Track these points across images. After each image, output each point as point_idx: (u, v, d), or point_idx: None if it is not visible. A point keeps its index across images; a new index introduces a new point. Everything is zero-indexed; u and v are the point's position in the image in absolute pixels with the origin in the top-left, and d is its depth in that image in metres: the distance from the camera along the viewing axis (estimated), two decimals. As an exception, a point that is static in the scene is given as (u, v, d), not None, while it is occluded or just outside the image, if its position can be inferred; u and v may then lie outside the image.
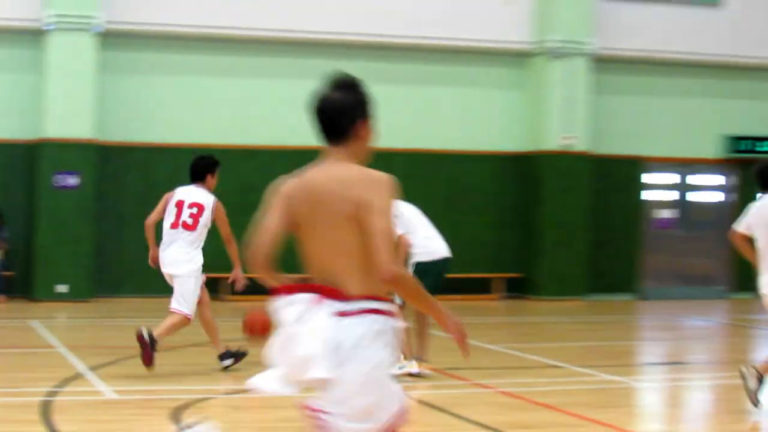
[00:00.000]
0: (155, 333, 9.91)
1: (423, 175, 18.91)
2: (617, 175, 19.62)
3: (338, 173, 4.14)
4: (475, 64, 19.58)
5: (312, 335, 4.03)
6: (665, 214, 20.75)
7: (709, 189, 21.14)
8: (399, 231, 9.54)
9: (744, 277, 20.24)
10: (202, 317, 10.49)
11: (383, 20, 18.82)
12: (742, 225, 9.04)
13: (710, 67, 20.58)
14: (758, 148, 20.73)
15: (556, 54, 19.17)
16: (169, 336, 10.13)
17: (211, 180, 10.41)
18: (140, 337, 9.85)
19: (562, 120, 19.27)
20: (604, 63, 19.89)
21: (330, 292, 4.06)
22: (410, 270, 11.34)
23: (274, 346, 4.12)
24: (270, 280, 4.26)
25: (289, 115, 17.31)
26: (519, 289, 19.47)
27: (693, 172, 20.95)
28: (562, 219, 19.23)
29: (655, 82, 20.40)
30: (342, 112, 4.18)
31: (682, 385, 11.22)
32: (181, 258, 10.21)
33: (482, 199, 19.29)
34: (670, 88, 20.50)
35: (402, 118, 18.95)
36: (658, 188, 20.77)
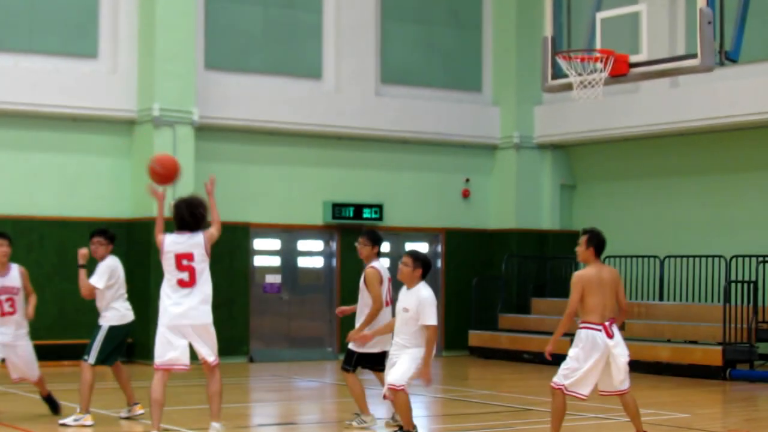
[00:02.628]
0: None
1: (31, 242, 19.44)
2: (224, 240, 19.83)
3: (607, 270, 10.32)
4: (81, 131, 20.19)
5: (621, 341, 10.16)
6: (273, 278, 21.88)
7: (315, 254, 22.44)
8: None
9: (348, 338, 23.52)
10: None
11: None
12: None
13: (311, 136, 22.05)
14: (365, 215, 22.32)
15: (160, 122, 20.02)
16: None
17: None
18: None
19: (168, 186, 21.00)
20: (208, 131, 20.84)
21: (612, 320, 10.14)
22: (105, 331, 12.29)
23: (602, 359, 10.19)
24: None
25: None
26: (129, 354, 19.97)
27: (299, 238, 22.14)
28: (171, 284, 21.14)
29: (259, 150, 21.59)
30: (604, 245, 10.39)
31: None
32: None
33: (91, 265, 20.50)
34: (274, 157, 21.77)
35: (9, 183, 19.52)
36: (266, 254, 21.84)
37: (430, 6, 23.57)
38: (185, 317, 10.45)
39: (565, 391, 10.19)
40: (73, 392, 14.28)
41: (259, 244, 21.98)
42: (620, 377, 10.22)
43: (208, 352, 10.54)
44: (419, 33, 23.45)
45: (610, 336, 10.13)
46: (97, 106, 20.26)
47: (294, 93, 21.97)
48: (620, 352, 10.17)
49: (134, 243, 20.51)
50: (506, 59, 23.91)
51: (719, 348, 18.51)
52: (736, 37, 15.81)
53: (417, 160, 23.45)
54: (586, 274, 10.22)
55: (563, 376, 10.20)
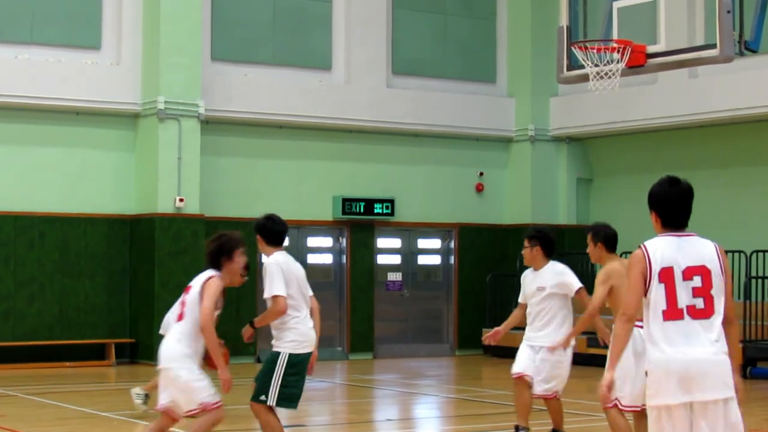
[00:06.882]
0: None
1: (32, 239, 19.54)
2: (233, 237, 21.00)
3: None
4: (83, 125, 20.20)
5: None
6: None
7: (324, 251, 22.45)
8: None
9: (359, 339, 22.40)
10: None
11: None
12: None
13: (320, 129, 22.00)
14: (376, 210, 22.32)
15: (165, 116, 20.04)
16: None
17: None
18: None
19: (173, 181, 20.07)
20: (214, 125, 20.86)
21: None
22: None
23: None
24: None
25: None
26: (133, 354, 20.27)
27: (308, 234, 22.16)
28: (176, 282, 19.64)
29: (266, 144, 21.60)
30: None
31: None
32: None
33: (93, 262, 19.96)
34: (282, 150, 21.77)
35: (10, 178, 19.54)
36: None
37: (443, -6, 23.53)
38: None
39: (621, 407, 9.07)
40: (75, 394, 14.28)
41: (268, 240, 21.85)
42: None
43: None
44: (432, 23, 23.40)
45: None
46: (100, 99, 20.26)
47: (303, 85, 21.95)
48: None
49: (138, 239, 20.57)
50: (521, 50, 23.88)
51: (739, 346, 18.43)
52: (756, 26, 15.72)
53: (429, 154, 23.42)
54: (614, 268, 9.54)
55: (618, 389, 8.84)
